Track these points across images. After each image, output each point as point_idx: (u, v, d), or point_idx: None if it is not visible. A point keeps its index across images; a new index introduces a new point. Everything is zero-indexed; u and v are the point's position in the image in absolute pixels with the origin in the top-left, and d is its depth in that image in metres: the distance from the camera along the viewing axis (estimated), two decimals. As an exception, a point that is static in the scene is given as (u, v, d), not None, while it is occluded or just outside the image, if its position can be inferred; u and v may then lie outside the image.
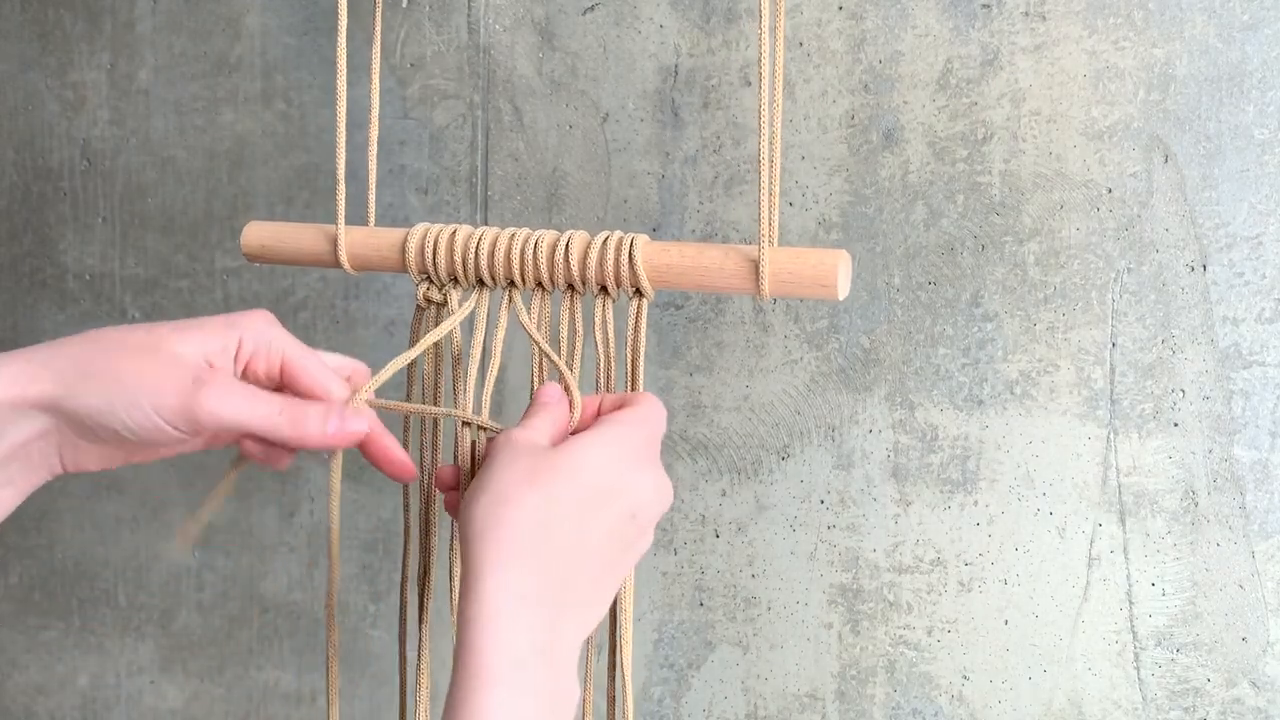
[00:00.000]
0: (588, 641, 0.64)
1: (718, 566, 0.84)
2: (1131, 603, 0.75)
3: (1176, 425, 0.73)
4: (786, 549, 0.82)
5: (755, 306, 0.81)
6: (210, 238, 0.95)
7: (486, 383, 0.63)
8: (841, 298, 0.58)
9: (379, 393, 0.59)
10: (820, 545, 0.81)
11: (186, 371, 0.53)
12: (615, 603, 0.62)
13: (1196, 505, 0.73)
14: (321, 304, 0.92)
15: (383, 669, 0.93)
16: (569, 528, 0.49)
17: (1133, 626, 0.75)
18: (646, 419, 0.54)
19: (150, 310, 0.97)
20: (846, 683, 0.82)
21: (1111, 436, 0.74)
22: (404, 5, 0.87)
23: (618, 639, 0.62)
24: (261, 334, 0.56)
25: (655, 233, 0.82)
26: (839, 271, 0.58)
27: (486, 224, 0.87)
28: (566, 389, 0.57)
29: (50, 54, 0.98)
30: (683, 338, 0.83)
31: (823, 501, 0.81)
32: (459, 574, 0.59)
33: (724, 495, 0.83)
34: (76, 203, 0.99)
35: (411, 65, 0.87)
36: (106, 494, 1.00)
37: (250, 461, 0.60)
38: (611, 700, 0.65)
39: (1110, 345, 0.74)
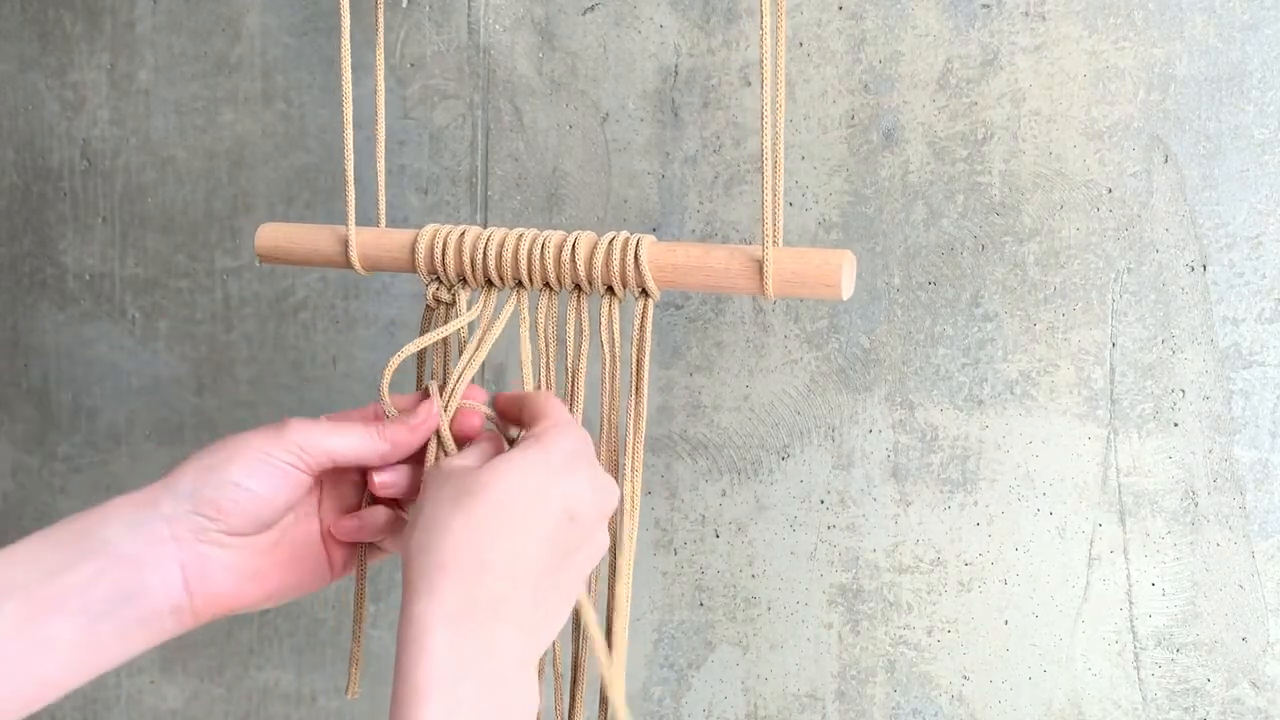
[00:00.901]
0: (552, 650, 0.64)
1: (718, 566, 0.84)
2: (1131, 603, 0.75)
3: (1176, 425, 0.73)
4: (786, 549, 0.82)
5: (755, 306, 0.81)
6: (210, 238, 0.95)
7: (465, 365, 0.63)
8: (846, 298, 0.59)
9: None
10: (820, 545, 0.81)
11: (277, 423, 0.58)
12: (609, 606, 0.63)
13: (1196, 505, 0.73)
14: (321, 304, 0.92)
15: (383, 669, 0.93)
16: (501, 543, 0.50)
17: (1133, 626, 0.75)
18: (574, 425, 0.56)
19: (150, 310, 0.97)
20: (846, 683, 0.82)
21: (1111, 436, 0.74)
22: (404, 5, 0.87)
23: (611, 642, 0.62)
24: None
25: (655, 232, 0.82)
26: (843, 271, 0.58)
27: (487, 224, 0.87)
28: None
29: (50, 54, 0.98)
30: (683, 338, 0.83)
31: (823, 501, 0.81)
32: None
33: (724, 495, 0.83)
34: (76, 203, 0.99)
35: (411, 65, 0.87)
36: (106, 494, 1.00)
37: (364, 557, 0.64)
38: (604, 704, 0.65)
39: (1110, 345, 0.74)
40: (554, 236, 0.63)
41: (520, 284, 0.64)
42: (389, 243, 0.67)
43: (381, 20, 0.71)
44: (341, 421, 0.59)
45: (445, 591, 0.49)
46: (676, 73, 0.81)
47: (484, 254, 0.63)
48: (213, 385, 0.97)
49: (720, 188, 0.80)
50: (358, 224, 0.69)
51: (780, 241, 0.61)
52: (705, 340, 0.82)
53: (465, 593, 0.49)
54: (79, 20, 0.97)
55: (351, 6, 0.84)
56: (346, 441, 0.58)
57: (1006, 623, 0.78)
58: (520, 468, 0.52)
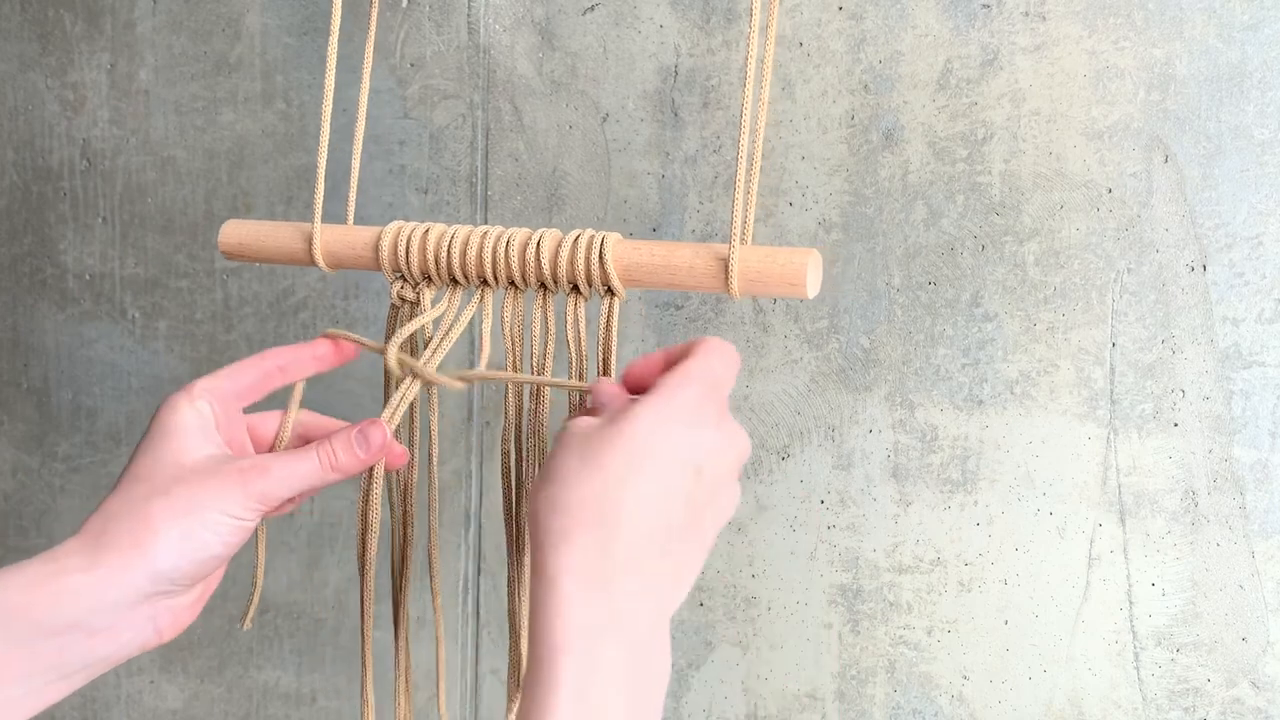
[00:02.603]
0: None
1: (718, 566, 0.84)
2: (1131, 603, 0.75)
3: (1176, 425, 0.73)
4: (786, 549, 0.82)
5: (755, 306, 0.81)
6: (210, 238, 0.95)
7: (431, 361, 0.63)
8: (810, 296, 0.58)
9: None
10: (820, 545, 0.81)
11: (231, 473, 0.56)
12: None
13: (1196, 505, 0.73)
14: (321, 304, 0.92)
15: (383, 669, 0.93)
16: (630, 499, 0.49)
17: (1133, 626, 0.75)
18: (701, 373, 0.53)
19: (150, 310, 0.97)
20: (846, 683, 0.82)
21: (1111, 436, 0.74)
22: (404, 5, 0.87)
23: None
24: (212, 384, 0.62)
25: (655, 232, 0.82)
26: (808, 270, 0.57)
27: (487, 224, 0.87)
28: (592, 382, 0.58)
29: (50, 54, 0.98)
30: (683, 338, 0.83)
31: (823, 501, 0.81)
32: (436, 567, 0.62)
33: (724, 495, 0.83)
34: (76, 203, 0.99)
35: (411, 65, 0.87)
36: (106, 493, 1.00)
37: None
38: None
39: (1110, 345, 0.74)
40: (519, 235, 0.62)
41: (485, 282, 0.63)
42: (353, 239, 0.66)
43: (375, 16, 0.71)
44: (290, 452, 0.59)
45: (577, 547, 0.48)
46: (676, 73, 0.81)
47: (448, 252, 0.62)
48: (213, 385, 0.97)
49: (720, 188, 0.80)
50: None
51: (751, 240, 0.61)
52: (705, 340, 0.82)
53: (597, 549, 0.48)
54: (79, 20, 0.97)
55: (351, 6, 0.84)
56: (302, 481, 0.58)
57: (1006, 623, 0.78)
58: (647, 421, 0.50)
